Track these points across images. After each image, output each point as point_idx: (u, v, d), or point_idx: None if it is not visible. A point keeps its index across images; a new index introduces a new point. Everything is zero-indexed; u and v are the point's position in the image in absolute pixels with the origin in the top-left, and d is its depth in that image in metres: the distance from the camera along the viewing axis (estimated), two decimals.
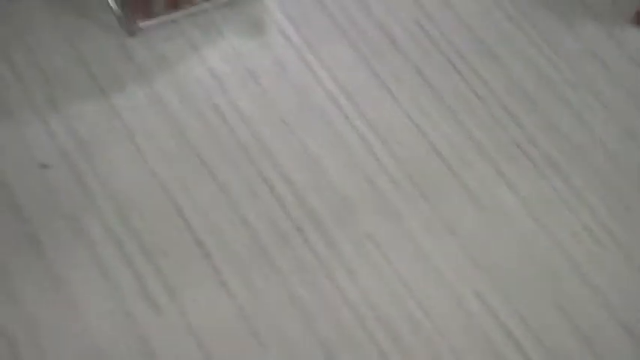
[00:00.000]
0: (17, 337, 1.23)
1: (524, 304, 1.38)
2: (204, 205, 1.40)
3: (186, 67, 1.53)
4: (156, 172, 1.41)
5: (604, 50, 1.71)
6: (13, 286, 1.27)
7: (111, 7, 1.55)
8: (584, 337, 1.36)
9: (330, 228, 1.42)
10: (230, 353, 1.27)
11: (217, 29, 1.59)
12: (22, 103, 1.45)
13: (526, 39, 1.70)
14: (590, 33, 1.73)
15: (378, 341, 1.31)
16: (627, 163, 1.57)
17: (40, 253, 1.30)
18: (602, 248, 1.46)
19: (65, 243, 1.32)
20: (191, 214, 1.39)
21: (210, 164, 1.45)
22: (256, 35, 1.60)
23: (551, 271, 1.43)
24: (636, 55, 1.71)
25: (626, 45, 1.72)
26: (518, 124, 1.58)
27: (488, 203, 1.48)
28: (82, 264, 1.30)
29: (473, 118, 1.58)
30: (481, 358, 1.32)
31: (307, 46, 1.60)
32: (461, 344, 1.33)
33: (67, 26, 1.54)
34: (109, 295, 1.28)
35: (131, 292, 1.29)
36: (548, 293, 1.40)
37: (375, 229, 1.43)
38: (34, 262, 1.29)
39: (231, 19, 1.61)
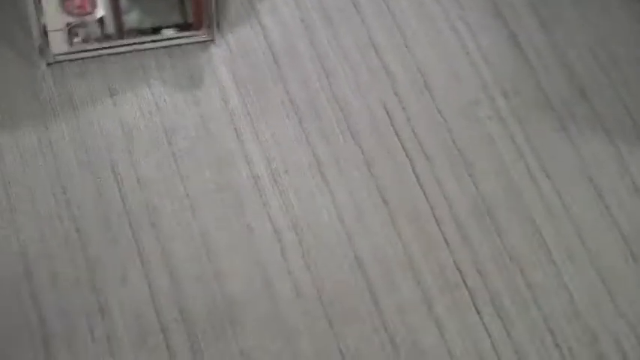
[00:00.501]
0: None
1: None
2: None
3: (95, 112, 1.33)
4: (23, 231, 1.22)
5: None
6: None
7: (31, 31, 1.36)
8: None
9: (201, 336, 1.19)
10: None
11: (145, 74, 1.38)
12: None
13: (511, 146, 1.41)
14: (594, 150, 1.43)
15: None
16: None
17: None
18: None
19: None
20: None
21: (86, 231, 1.24)
22: (188, 89, 1.38)
23: None
24: None
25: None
26: (471, 250, 1.30)
27: (406, 340, 1.22)
28: None
29: (419, 234, 1.31)
30: None
31: (245, 113, 1.37)
32: None
33: None
34: None
35: None
36: None
37: (256, 349, 1.19)
38: None
39: (165, 66, 1.39)
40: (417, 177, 1.36)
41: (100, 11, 1.33)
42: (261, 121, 1.37)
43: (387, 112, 1.41)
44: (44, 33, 1.31)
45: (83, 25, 1.32)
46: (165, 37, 1.39)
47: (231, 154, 1.33)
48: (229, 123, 1.36)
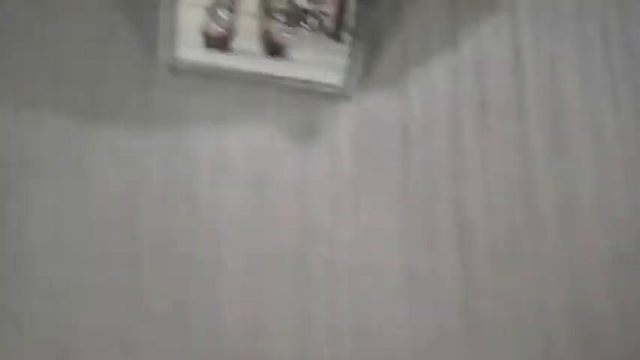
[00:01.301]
0: None
1: None
2: None
3: (196, 135, 1.22)
4: None
5: None
6: None
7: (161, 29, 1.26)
8: None
9: None
10: None
11: (262, 109, 1.25)
12: None
13: None
14: None
15: None
16: None
17: None
18: None
19: None
20: None
21: None
22: (300, 139, 1.24)
23: None
24: None
25: None
26: None
27: None
28: None
29: None
30: None
31: (352, 185, 1.22)
32: None
33: None
34: None
35: None
36: None
37: None
38: None
39: (287, 107, 1.26)
40: None
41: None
42: (366, 199, 1.21)
43: (515, 242, 1.21)
44: (174, 34, 1.21)
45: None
46: (301, 78, 1.26)
47: (319, 225, 1.18)
48: (330, 190, 1.21)
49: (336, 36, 1.25)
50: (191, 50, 1.24)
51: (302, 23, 1.23)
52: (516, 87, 1.34)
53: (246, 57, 1.25)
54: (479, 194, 1.23)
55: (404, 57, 1.33)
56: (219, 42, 1.25)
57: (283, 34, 1.24)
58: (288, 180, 1.21)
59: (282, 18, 1.23)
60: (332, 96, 1.28)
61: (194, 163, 1.20)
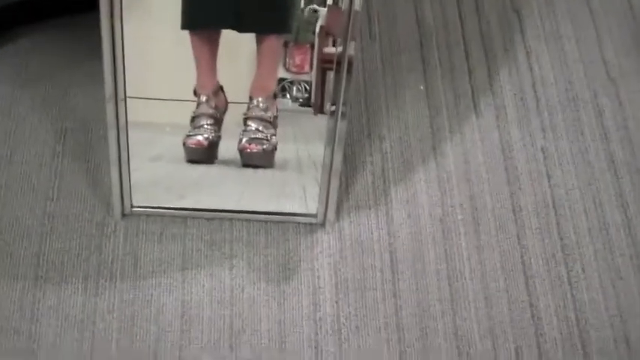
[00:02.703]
0: None
1: None
2: None
3: (158, 287, 1.08)
4: None
5: None
6: None
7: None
8: None
9: None
10: None
11: (231, 250, 1.12)
12: None
13: None
14: None
15: None
16: None
17: None
18: None
19: None
20: None
21: None
22: (275, 281, 1.10)
23: None
24: None
25: None
26: None
27: None
28: None
29: None
30: None
31: (335, 328, 1.08)
32: None
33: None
34: None
35: None
36: None
37: None
38: None
39: (257, 245, 1.13)
40: None
41: (313, 75, 1.11)
42: (353, 344, 1.07)
43: None
44: (127, 176, 1.10)
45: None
46: (272, 211, 1.14)
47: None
48: (311, 338, 1.07)
49: (320, 110, 1.13)
50: (146, 193, 1.13)
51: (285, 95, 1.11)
52: (510, 193, 1.21)
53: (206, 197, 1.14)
54: (478, 325, 1.09)
55: (383, 174, 1.22)
56: (202, 154, 1.13)
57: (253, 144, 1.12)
58: (264, 329, 1.07)
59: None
60: (308, 225, 1.16)
61: (155, 320, 1.07)
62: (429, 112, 1.28)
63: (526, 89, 1.32)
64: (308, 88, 1.12)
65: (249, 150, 1.11)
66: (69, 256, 1.10)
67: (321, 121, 1.09)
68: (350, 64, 0.98)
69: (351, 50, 0.97)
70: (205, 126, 1.11)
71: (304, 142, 1.15)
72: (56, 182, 1.16)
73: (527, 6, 1.42)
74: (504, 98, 1.31)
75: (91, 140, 1.19)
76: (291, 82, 1.11)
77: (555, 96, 1.32)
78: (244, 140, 1.11)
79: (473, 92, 1.32)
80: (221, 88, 1.11)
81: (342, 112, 1.03)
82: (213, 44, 1.08)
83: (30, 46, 1.30)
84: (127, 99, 1.03)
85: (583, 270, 1.16)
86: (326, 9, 1.07)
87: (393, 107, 1.29)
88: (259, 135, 1.11)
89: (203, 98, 1.10)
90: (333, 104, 1.03)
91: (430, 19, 1.38)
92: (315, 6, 1.07)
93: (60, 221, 1.13)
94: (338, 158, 1.08)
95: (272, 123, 1.11)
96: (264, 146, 1.11)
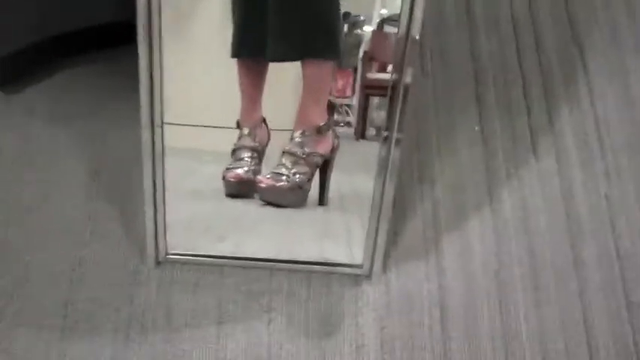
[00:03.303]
0: None
1: None
2: None
3: (191, 342, 1.02)
4: None
5: None
6: None
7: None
8: None
9: None
10: None
11: (269, 302, 1.05)
12: None
13: None
14: None
15: None
16: None
17: None
18: None
19: None
20: None
21: None
22: (316, 337, 1.03)
23: None
24: None
25: None
26: None
27: None
28: None
29: None
30: None
31: None
32: None
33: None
34: None
35: None
36: None
37: None
38: None
39: (298, 297, 1.06)
40: None
41: (355, 99, 1.07)
42: None
43: None
44: (162, 215, 1.04)
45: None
46: (313, 260, 1.07)
47: None
48: None
49: (362, 136, 1.07)
50: (182, 235, 1.07)
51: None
52: (571, 244, 1.12)
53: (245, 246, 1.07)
54: None
55: (435, 221, 1.14)
56: (242, 187, 1.08)
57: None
58: None
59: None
60: (352, 276, 1.08)
61: None
62: (484, 155, 1.20)
63: (589, 130, 1.23)
64: (349, 112, 1.07)
65: (262, 184, 1.05)
66: (99, 305, 1.04)
67: (369, 151, 1.03)
68: (406, 91, 0.92)
69: (408, 78, 0.91)
70: (246, 159, 1.06)
71: (348, 174, 1.09)
72: (89, 226, 1.11)
73: (590, 39, 1.33)
74: (565, 140, 1.22)
75: (128, 182, 1.14)
76: (333, 106, 1.06)
77: (620, 138, 1.23)
78: (263, 173, 1.06)
79: (531, 133, 1.23)
80: (264, 121, 1.06)
81: (396, 139, 0.95)
82: (258, 76, 1.03)
83: (67, 80, 1.26)
84: (164, 125, 0.97)
85: None
86: (370, 34, 1.04)
87: (446, 149, 1.21)
88: (282, 170, 1.05)
89: (245, 131, 1.06)
90: (385, 130, 0.96)
91: (486, 55, 1.30)
92: (359, 30, 1.04)
93: (91, 268, 1.07)
94: (389, 193, 1.00)
95: (306, 160, 1.05)
96: (281, 183, 1.05)
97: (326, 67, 1.03)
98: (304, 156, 1.06)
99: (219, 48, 1.05)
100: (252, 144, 1.07)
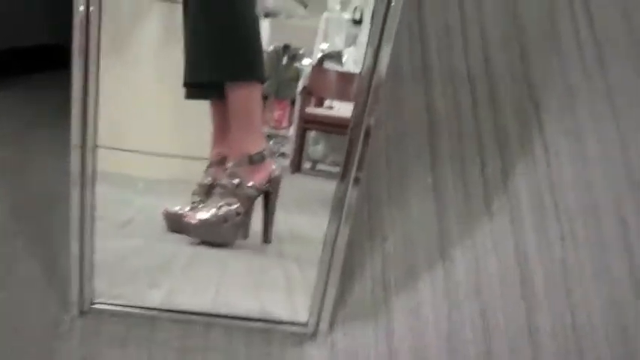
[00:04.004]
0: None
1: None
2: None
3: None
4: None
5: None
6: None
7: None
8: None
9: None
10: None
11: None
12: None
13: None
14: None
15: None
16: None
17: None
18: None
19: None
20: None
21: None
22: None
23: None
24: None
25: None
26: None
27: None
28: None
29: None
30: None
31: None
32: None
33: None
34: None
35: None
36: None
37: None
38: None
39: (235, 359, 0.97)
40: None
41: (291, 130, 0.98)
42: None
43: None
44: (89, 261, 0.93)
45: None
46: (255, 317, 0.99)
47: None
48: None
49: (297, 169, 1.00)
50: (110, 278, 0.97)
51: None
52: (526, 310, 1.07)
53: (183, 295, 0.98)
54: None
55: (384, 279, 1.07)
56: (173, 224, 1.00)
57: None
58: None
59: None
60: (296, 335, 1.00)
61: None
62: (436, 209, 1.15)
63: (543, 191, 1.19)
64: (285, 143, 1.02)
65: (185, 219, 0.97)
66: None
67: (304, 185, 0.97)
68: (368, 130, 0.87)
69: (372, 119, 0.86)
70: (194, 195, 0.99)
71: (285, 211, 1.02)
72: (4, 268, 1.00)
73: (546, 97, 1.30)
74: (520, 200, 1.18)
75: (54, 220, 1.03)
76: (269, 136, 1.01)
77: (574, 201, 1.19)
78: (188, 208, 0.98)
79: (485, 190, 1.18)
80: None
81: (354, 178, 0.89)
82: (214, 109, 0.96)
83: None
84: (97, 149, 0.88)
85: None
86: (310, 68, 1.02)
87: (398, 200, 1.15)
88: (210, 203, 0.97)
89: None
90: (342, 168, 0.90)
91: (441, 105, 1.26)
92: (298, 64, 1.02)
93: (6, 317, 0.96)
94: (343, 238, 0.93)
95: (235, 192, 0.98)
96: (205, 216, 0.97)
97: (251, 91, 0.97)
98: (233, 188, 0.99)
99: (160, 69, 0.98)
100: (200, 180, 0.99)
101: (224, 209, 0.99)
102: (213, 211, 0.98)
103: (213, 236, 1.00)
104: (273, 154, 1.02)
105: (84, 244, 0.92)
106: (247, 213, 1.01)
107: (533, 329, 1.05)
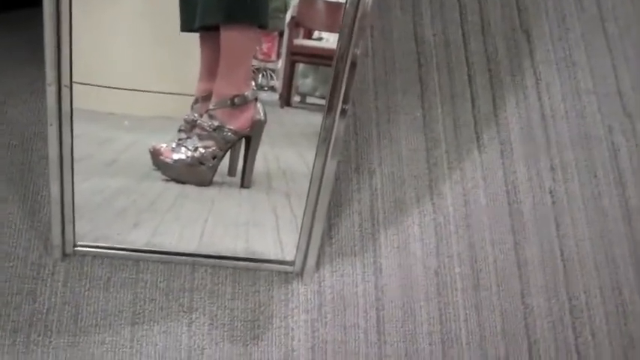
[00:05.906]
0: None
1: None
2: None
3: (103, 346, 0.91)
4: None
5: None
6: None
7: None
8: None
9: None
10: None
11: (191, 302, 0.95)
12: None
13: None
14: None
15: None
16: None
17: None
18: None
19: None
20: None
21: None
22: (241, 341, 0.94)
23: None
24: None
25: None
26: None
27: None
28: None
29: None
30: None
31: None
32: None
33: None
34: None
35: None
36: None
37: None
38: None
39: (222, 296, 0.96)
40: None
41: (280, 63, 0.96)
42: None
43: None
44: (70, 193, 0.91)
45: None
46: (241, 256, 0.97)
47: None
48: None
49: (287, 103, 0.99)
50: (93, 220, 0.95)
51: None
52: (515, 243, 1.06)
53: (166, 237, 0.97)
54: None
55: (372, 215, 1.06)
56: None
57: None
58: None
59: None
60: (283, 274, 0.99)
61: None
62: (425, 144, 1.13)
63: (534, 122, 1.17)
64: (274, 76, 0.99)
65: (160, 156, 0.95)
66: None
67: (294, 119, 0.94)
68: (354, 61, 0.84)
69: (357, 49, 0.82)
70: (179, 131, 0.96)
71: (273, 146, 1.00)
72: None
73: (538, 26, 1.27)
74: (510, 131, 1.16)
75: (31, 161, 1.01)
76: (257, 69, 0.97)
77: (566, 131, 1.17)
78: (163, 146, 0.96)
79: (475, 123, 1.16)
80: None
81: (341, 110, 0.87)
82: (203, 44, 0.93)
83: None
84: (74, 85, 0.84)
85: (593, 336, 1.01)
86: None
87: (386, 136, 1.13)
88: (187, 143, 0.95)
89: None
90: (327, 100, 0.87)
91: (430, 37, 1.22)
92: None
93: None
94: (330, 172, 0.91)
95: (213, 135, 0.95)
96: (178, 157, 0.95)
97: (249, 34, 0.94)
98: (211, 130, 0.96)
99: (143, 4, 0.95)
100: (186, 116, 0.97)
101: (200, 151, 0.97)
102: (189, 152, 0.96)
103: (187, 177, 0.98)
104: (260, 87, 0.99)
105: (64, 185, 0.90)
106: (227, 155, 0.99)
107: (521, 262, 1.05)
